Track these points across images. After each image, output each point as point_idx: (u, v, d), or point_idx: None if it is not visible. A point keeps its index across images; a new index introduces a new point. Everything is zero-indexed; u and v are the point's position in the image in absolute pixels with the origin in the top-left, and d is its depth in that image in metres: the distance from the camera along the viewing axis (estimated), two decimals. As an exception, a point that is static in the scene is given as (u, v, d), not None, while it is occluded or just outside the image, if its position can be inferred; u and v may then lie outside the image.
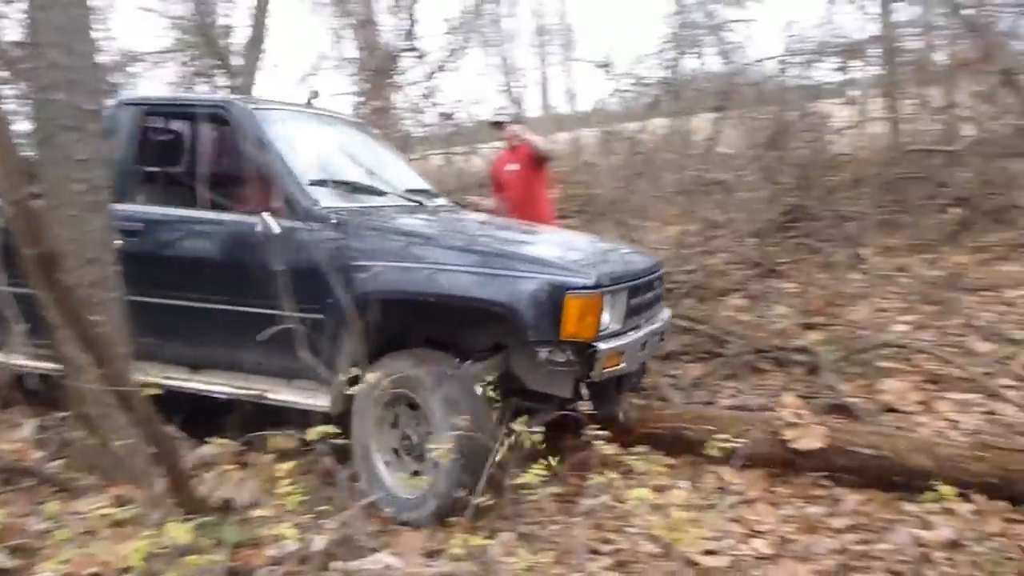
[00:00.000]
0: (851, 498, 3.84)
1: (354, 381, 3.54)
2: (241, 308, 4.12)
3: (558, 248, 4.34)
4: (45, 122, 3.47)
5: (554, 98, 23.94)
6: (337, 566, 2.86)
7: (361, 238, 4.02)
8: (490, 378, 3.79)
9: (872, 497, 3.86)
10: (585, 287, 3.67)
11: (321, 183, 4.31)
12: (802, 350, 5.71)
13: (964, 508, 3.61)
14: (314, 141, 4.91)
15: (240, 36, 10.85)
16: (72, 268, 3.29)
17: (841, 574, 3.22)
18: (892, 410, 4.86)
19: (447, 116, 11.14)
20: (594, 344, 3.72)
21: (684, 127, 10.15)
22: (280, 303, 3.78)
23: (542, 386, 3.96)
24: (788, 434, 4.12)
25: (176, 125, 5.18)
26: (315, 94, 5.49)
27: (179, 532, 2.69)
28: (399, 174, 5.35)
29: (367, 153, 5.25)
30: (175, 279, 4.34)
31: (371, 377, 3.53)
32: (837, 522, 3.66)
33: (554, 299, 3.63)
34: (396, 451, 3.94)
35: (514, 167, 6.45)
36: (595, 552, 3.36)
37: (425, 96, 10.84)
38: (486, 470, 3.36)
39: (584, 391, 3.84)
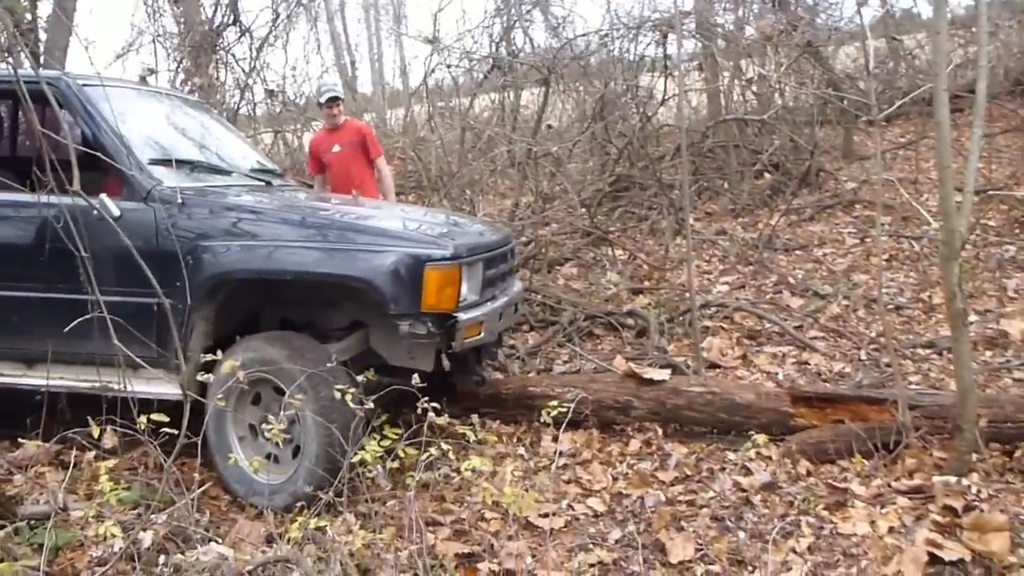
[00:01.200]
0: (678, 451, 4.03)
1: (207, 367, 3.39)
2: (80, 296, 3.74)
3: (412, 221, 4.32)
4: None
5: (387, 73, 23.54)
6: (165, 561, 2.76)
7: (207, 218, 3.87)
8: (352, 382, 3.65)
9: (697, 450, 4.07)
10: (443, 258, 3.68)
11: (162, 162, 4.10)
12: (631, 314, 5.94)
13: (776, 452, 3.87)
14: (152, 120, 4.65)
15: (44, 9, 10.07)
16: None
17: (672, 524, 3.39)
18: (715, 366, 5.15)
19: (272, 93, 10.78)
20: (454, 315, 3.74)
21: (514, 102, 10.26)
22: (123, 289, 3.61)
23: (404, 361, 3.92)
24: (638, 369, 4.34)
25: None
26: (150, 71, 5.23)
27: (-12, 540, 2.52)
28: (243, 154, 5.18)
29: (208, 132, 5.07)
30: (7, 268, 4.04)
31: (228, 365, 3.40)
32: (666, 475, 3.84)
33: (413, 271, 3.63)
34: (253, 428, 3.81)
35: (337, 148, 6.35)
36: (435, 523, 3.39)
37: (251, 72, 10.45)
38: (345, 467, 3.31)
39: (446, 363, 3.86)
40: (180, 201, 3.86)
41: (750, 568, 3.03)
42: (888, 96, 9.30)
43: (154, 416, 3.06)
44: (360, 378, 3.55)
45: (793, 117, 9.55)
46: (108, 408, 3.44)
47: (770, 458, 3.88)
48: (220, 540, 3.01)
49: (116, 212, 3.76)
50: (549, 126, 9.86)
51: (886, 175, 8.04)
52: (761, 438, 3.87)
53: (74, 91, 4.07)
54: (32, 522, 2.88)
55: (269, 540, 3.23)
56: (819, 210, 8.34)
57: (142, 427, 3.03)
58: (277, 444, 3.44)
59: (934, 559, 2.94)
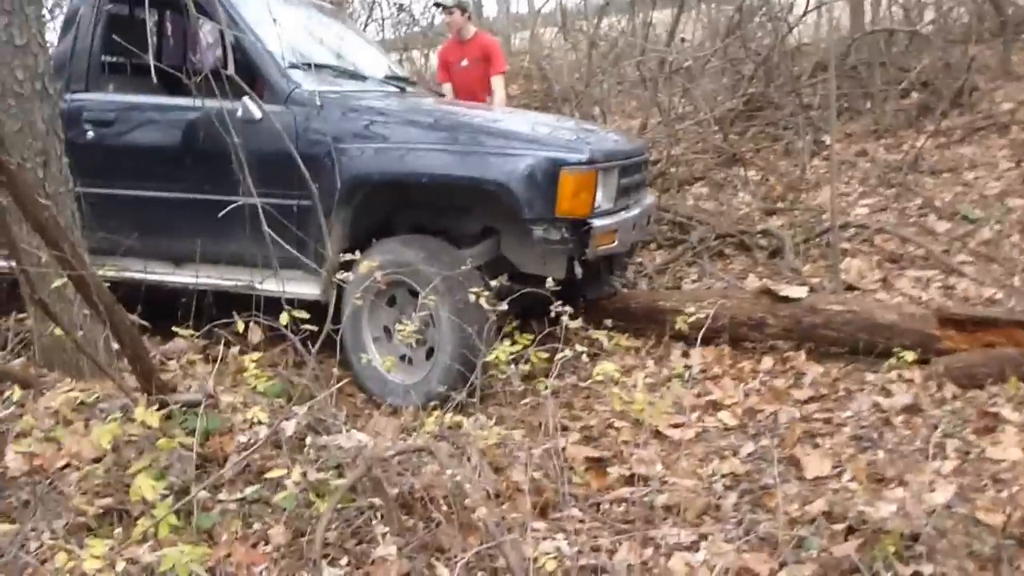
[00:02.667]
0: (814, 370, 3.91)
1: (345, 267, 3.46)
2: (224, 197, 3.88)
3: (546, 127, 4.24)
4: (-22, 7, 3.29)
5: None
6: (311, 441, 2.86)
7: (344, 121, 3.92)
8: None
9: (833, 368, 3.94)
10: (579, 163, 3.64)
11: (302, 66, 4.16)
12: (764, 234, 5.76)
13: (920, 375, 3.71)
14: (291, 26, 4.62)
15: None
16: (18, 157, 3.19)
17: (806, 440, 3.30)
18: (853, 288, 4.94)
19: (401, 8, 10.81)
20: (588, 222, 3.69)
21: (645, 18, 9.95)
22: (264, 191, 3.67)
23: (536, 268, 3.91)
24: (773, 286, 4.23)
25: (143, 11, 4.93)
26: None
27: (148, 417, 2.66)
28: (376, 61, 5.21)
29: (344, 39, 5.11)
30: (154, 170, 4.21)
31: (365, 265, 3.45)
32: (800, 393, 3.74)
33: (548, 175, 3.60)
34: (387, 329, 3.90)
35: (466, 63, 6.30)
36: (564, 429, 3.41)
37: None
38: (478, 368, 3.35)
39: (578, 271, 3.84)
40: (319, 104, 3.90)
41: (891, 486, 2.93)
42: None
43: (296, 313, 3.14)
44: (493, 283, 3.57)
45: (945, 32, 8.92)
46: (252, 306, 3.57)
47: (912, 381, 3.71)
48: (359, 430, 3.10)
49: (258, 114, 3.83)
50: (683, 39, 9.53)
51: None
52: (908, 355, 3.69)
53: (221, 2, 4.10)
54: (184, 408, 3.03)
55: (403, 431, 3.32)
56: (971, 132, 7.80)
57: (284, 324, 3.11)
58: (410, 345, 3.52)
59: (1095, 487, 2.77)
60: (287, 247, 3.72)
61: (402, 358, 3.79)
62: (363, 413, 3.68)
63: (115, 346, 3.07)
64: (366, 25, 10.52)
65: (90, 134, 4.28)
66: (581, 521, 2.74)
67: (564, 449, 3.11)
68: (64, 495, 2.68)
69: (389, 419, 3.47)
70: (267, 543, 2.56)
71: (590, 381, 3.61)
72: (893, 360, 3.74)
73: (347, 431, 2.93)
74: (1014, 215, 5.83)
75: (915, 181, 6.75)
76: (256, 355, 3.37)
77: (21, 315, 4.00)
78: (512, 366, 3.27)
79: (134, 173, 4.24)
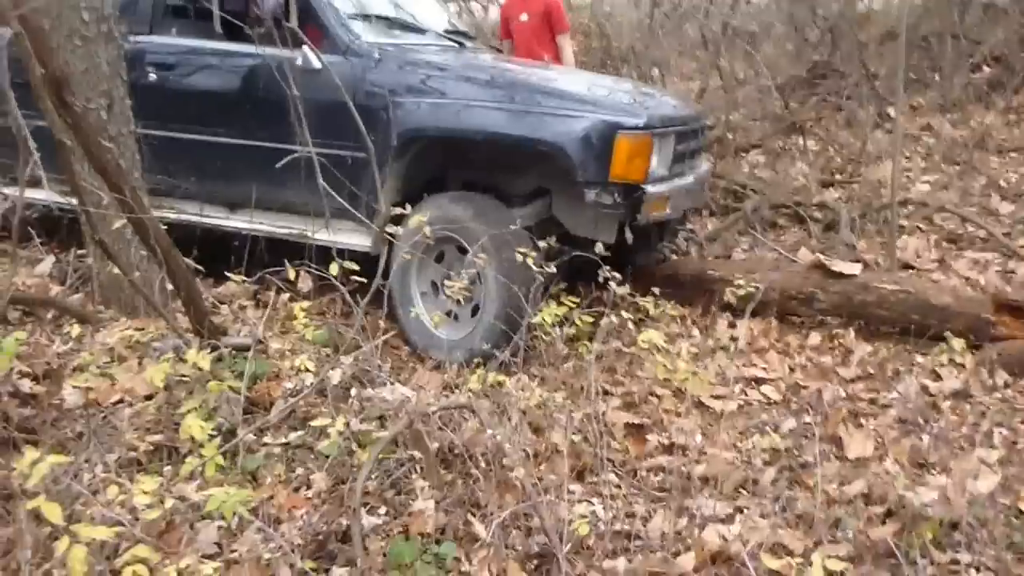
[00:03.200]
0: (862, 349, 3.87)
1: (395, 221, 3.49)
2: (279, 145, 3.87)
3: (603, 88, 4.18)
4: (48, -53, 3.33)
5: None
6: (355, 392, 2.91)
7: (402, 74, 3.92)
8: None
9: (882, 348, 3.89)
10: (635, 127, 3.60)
11: (361, 17, 4.17)
12: (820, 206, 5.66)
13: (971, 360, 3.64)
14: None
15: None
16: (83, 98, 3.24)
17: (849, 420, 3.27)
18: (908, 267, 4.85)
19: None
20: (642, 187, 3.66)
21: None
22: (319, 141, 3.66)
23: (587, 231, 3.88)
24: (826, 260, 4.17)
25: None
26: None
27: (199, 359, 2.73)
28: (436, 15, 5.17)
29: None
30: (212, 115, 4.25)
31: (416, 220, 3.44)
32: (847, 371, 3.70)
33: (604, 138, 3.57)
34: (435, 284, 3.93)
35: (525, 17, 6.22)
36: (606, 393, 3.42)
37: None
38: (523, 328, 3.36)
39: (628, 236, 3.81)
40: (377, 56, 3.91)
41: (933, 472, 2.90)
42: None
43: (346, 264, 3.17)
44: (542, 244, 3.57)
45: (1023, 5, 8.59)
46: (303, 255, 3.61)
47: (963, 365, 3.66)
48: (402, 384, 3.14)
49: (317, 64, 3.82)
50: (748, 2, 9.31)
51: None
52: (957, 342, 3.64)
53: None
54: (234, 351, 3.09)
55: (446, 387, 3.36)
56: (1043, 110, 7.58)
57: (334, 274, 3.14)
58: (457, 302, 3.54)
59: None
60: (339, 198, 3.78)
61: (448, 314, 3.81)
62: (407, 366, 3.72)
63: (170, 287, 3.15)
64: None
65: (152, 76, 4.33)
66: (617, 486, 2.76)
67: (604, 414, 3.12)
68: (117, 430, 2.76)
69: (432, 374, 3.51)
70: (308, 488, 2.63)
71: (634, 348, 3.60)
72: (944, 344, 3.68)
73: (391, 384, 2.97)
74: (1084, 200, 5.67)
75: (980, 159, 6.58)
76: (305, 303, 3.42)
77: (81, 251, 4.10)
78: (557, 328, 3.28)
79: (194, 117, 4.28)
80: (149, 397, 2.90)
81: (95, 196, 2.89)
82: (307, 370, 3.03)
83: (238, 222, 4.29)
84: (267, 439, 2.80)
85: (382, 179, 3.83)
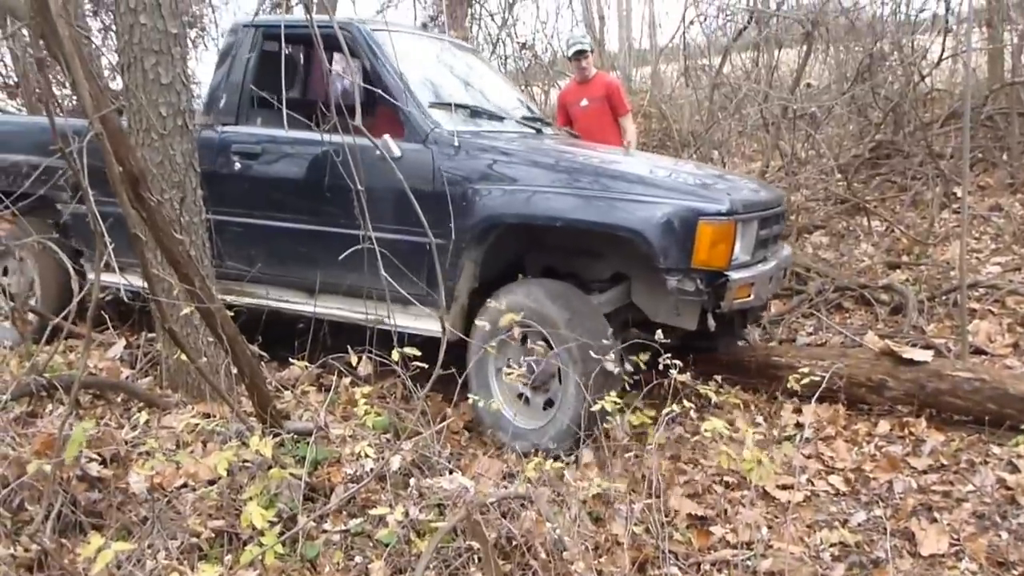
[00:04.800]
0: (934, 438, 3.74)
1: (473, 308, 3.48)
2: (358, 232, 4.05)
3: (685, 174, 4.13)
4: (130, 46, 3.51)
5: (635, 29, 23.18)
6: (414, 483, 2.90)
7: (481, 161, 3.94)
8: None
9: (956, 438, 3.75)
10: (718, 213, 3.55)
11: (441, 106, 4.23)
12: (887, 289, 5.56)
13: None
14: (431, 65, 4.79)
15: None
16: (158, 190, 3.37)
17: (922, 513, 3.15)
18: (981, 352, 4.70)
19: (525, 46, 10.93)
20: (726, 274, 3.60)
21: (770, 60, 9.79)
22: (400, 227, 3.76)
23: (667, 318, 3.83)
24: (896, 347, 4.07)
25: (294, 48, 5.15)
26: (431, 19, 5.40)
27: (262, 447, 2.76)
28: (513, 101, 5.24)
29: (482, 79, 5.17)
30: (293, 202, 4.33)
31: (507, 318, 3.43)
32: (918, 462, 3.58)
33: (686, 225, 3.52)
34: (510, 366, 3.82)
35: (586, 103, 6.33)
36: (668, 482, 3.35)
37: (503, 26, 10.66)
38: (583, 416, 3.33)
39: (711, 323, 3.75)
40: (456, 144, 3.94)
41: (1014, 571, 2.76)
42: None
43: (407, 350, 3.19)
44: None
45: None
46: (366, 339, 3.65)
47: (1043, 457, 3.51)
48: (461, 471, 3.13)
49: (397, 152, 3.88)
50: (808, 84, 9.34)
51: None
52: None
53: (364, 36, 4.23)
54: (295, 436, 3.12)
55: (504, 476, 3.33)
56: (1115, 189, 7.38)
57: (396, 359, 3.15)
58: (531, 389, 3.53)
59: None
60: (420, 284, 3.76)
61: (519, 396, 3.80)
62: (467, 452, 3.71)
63: (235, 372, 3.21)
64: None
65: (237, 165, 4.43)
66: (681, 582, 2.69)
67: (666, 503, 3.06)
68: (180, 515, 2.79)
69: (492, 461, 3.48)
70: (367, 577, 2.61)
71: (697, 436, 3.53)
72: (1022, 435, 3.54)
73: (450, 472, 2.96)
74: None
75: (1053, 239, 6.41)
76: (367, 388, 3.45)
77: (151, 335, 4.22)
78: (618, 416, 3.25)
79: (275, 204, 4.36)
80: (212, 482, 2.93)
81: (165, 283, 2.98)
82: (367, 456, 3.04)
83: (317, 308, 4.29)
84: (327, 525, 2.80)
85: (460, 265, 3.87)
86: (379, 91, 3.96)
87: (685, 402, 3.07)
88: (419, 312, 3.84)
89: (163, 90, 3.52)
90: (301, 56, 5.38)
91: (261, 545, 2.45)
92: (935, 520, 3.11)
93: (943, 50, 8.27)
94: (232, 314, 3.23)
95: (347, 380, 3.82)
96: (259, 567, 2.48)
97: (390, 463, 3.00)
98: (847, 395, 4.02)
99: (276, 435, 3.00)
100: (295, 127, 4.21)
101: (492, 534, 2.62)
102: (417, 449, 3.15)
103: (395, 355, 3.13)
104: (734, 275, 3.61)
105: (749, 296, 3.74)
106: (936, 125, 8.43)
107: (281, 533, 2.57)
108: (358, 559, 2.69)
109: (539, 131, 4.82)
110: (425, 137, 4.00)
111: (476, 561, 2.61)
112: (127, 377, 4.02)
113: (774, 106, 7.72)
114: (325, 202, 4.17)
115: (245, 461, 2.91)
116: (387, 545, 2.67)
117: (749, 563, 2.74)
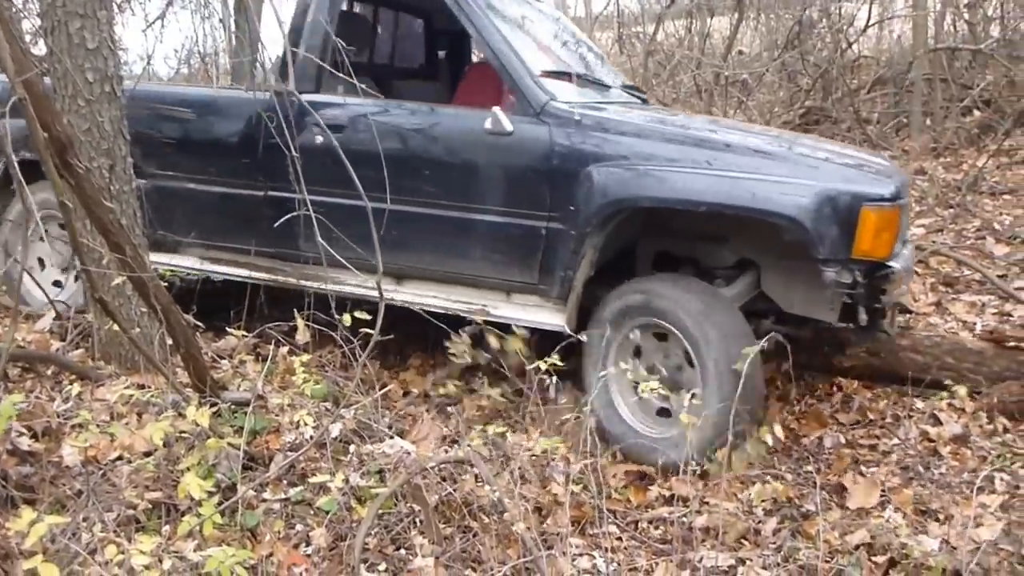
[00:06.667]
0: (861, 395, 3.86)
1: (590, 298, 3.23)
2: (462, 214, 3.62)
3: (833, 153, 3.61)
4: (53, 9, 3.39)
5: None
6: (354, 450, 2.91)
7: (604, 136, 3.45)
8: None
9: (882, 395, 3.89)
10: (882, 199, 3.18)
11: (555, 75, 3.79)
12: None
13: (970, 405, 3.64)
14: (535, 30, 4.26)
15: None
16: (86, 157, 3.28)
17: (852, 468, 3.27)
18: (905, 311, 4.86)
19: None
20: (889, 264, 3.25)
21: (703, 27, 9.89)
22: (511, 210, 3.48)
23: (803, 309, 3.53)
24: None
25: (385, 12, 4.75)
26: None
27: (199, 417, 2.73)
28: (606, 67, 4.78)
29: (578, 45, 4.71)
30: (385, 180, 3.59)
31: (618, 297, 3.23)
32: (846, 418, 3.71)
33: (848, 210, 3.13)
34: (635, 385, 3.34)
35: None
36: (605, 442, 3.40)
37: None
38: (752, 412, 3.12)
39: (862, 317, 3.40)
40: (577, 119, 3.48)
41: (936, 520, 2.89)
42: None
43: (357, 314, 3.05)
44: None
45: (1011, 50, 8.74)
46: (304, 306, 3.60)
47: (963, 410, 3.66)
48: (401, 437, 3.14)
49: (509, 127, 3.52)
50: (740, 52, 9.46)
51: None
52: (961, 390, 3.62)
53: (470, 1, 3.77)
54: (233, 407, 3.10)
55: (446, 440, 3.36)
56: (1034, 152, 7.65)
57: (345, 324, 3.04)
58: (666, 396, 3.20)
59: None
60: (532, 271, 3.50)
61: (661, 412, 3.45)
62: (406, 418, 3.72)
63: (170, 343, 3.16)
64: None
65: (319, 139, 3.81)
66: (619, 539, 2.75)
67: (604, 466, 3.12)
68: (116, 487, 2.76)
69: (432, 425, 3.50)
70: (308, 544, 2.62)
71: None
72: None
73: (391, 438, 2.97)
74: (1077, 241, 5.71)
75: (974, 202, 6.63)
76: (305, 357, 3.43)
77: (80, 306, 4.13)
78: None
79: (368, 182, 3.36)
80: (148, 454, 2.89)
81: (95, 253, 2.92)
82: (306, 424, 3.03)
83: (406, 295, 3.87)
84: (266, 494, 2.79)
85: (581, 252, 3.45)
86: (484, 56, 3.49)
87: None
88: (525, 302, 3.56)
89: (89, 55, 3.41)
90: (390, 18, 4.90)
91: (199, 515, 2.43)
92: (863, 474, 3.23)
93: (869, 17, 8.43)
94: (166, 284, 3.19)
95: (285, 349, 3.79)
96: (198, 537, 2.46)
97: (330, 430, 3.00)
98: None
99: (213, 405, 2.96)
100: (394, 96, 3.74)
101: (433, 498, 2.65)
102: (356, 416, 3.15)
103: (346, 319, 2.98)
104: (897, 265, 3.29)
105: (903, 286, 3.46)
106: (863, 91, 8.64)
107: (220, 503, 2.55)
108: (299, 527, 2.70)
109: (644, 100, 4.46)
110: (540, 110, 3.53)
111: (417, 524, 2.64)
112: (57, 349, 3.92)
113: (707, 73, 7.82)
114: (425, 180, 3.74)
115: (182, 432, 2.87)
116: (328, 512, 2.67)
117: (685, 519, 2.82)
